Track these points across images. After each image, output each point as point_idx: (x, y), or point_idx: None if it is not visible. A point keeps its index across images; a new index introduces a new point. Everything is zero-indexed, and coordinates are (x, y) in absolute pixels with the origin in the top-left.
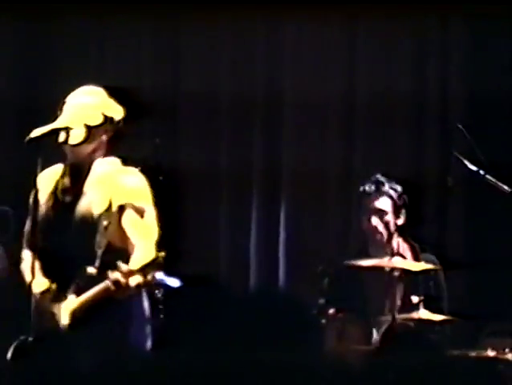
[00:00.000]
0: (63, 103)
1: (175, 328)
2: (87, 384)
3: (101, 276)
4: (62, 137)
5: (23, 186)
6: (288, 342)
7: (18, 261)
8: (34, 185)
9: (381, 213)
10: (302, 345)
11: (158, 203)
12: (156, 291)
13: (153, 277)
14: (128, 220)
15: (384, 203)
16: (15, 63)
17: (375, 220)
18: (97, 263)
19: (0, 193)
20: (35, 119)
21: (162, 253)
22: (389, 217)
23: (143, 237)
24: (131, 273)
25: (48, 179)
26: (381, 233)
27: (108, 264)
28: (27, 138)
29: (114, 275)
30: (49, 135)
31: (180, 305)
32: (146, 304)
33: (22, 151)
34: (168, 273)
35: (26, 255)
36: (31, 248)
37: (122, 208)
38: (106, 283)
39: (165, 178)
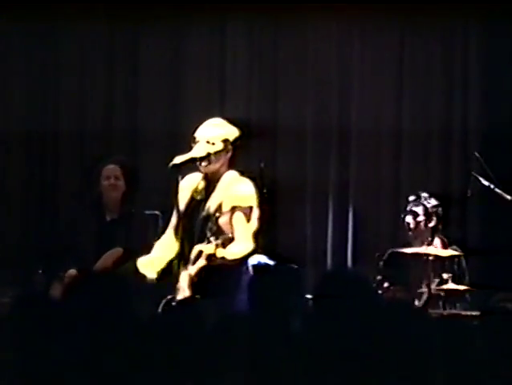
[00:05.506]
0: (194, 136)
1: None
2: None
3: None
4: (197, 163)
5: (169, 195)
6: (354, 306)
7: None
8: (176, 188)
9: (414, 215)
10: (365, 309)
11: (262, 206)
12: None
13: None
14: (236, 218)
15: (417, 208)
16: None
17: (408, 219)
18: (205, 242)
19: (151, 201)
20: (175, 144)
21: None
22: (420, 219)
23: (245, 233)
24: (224, 258)
25: (188, 182)
26: (412, 230)
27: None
28: (171, 164)
29: (207, 251)
30: (186, 163)
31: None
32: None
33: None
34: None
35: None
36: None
37: (233, 208)
38: (202, 257)
39: (267, 189)
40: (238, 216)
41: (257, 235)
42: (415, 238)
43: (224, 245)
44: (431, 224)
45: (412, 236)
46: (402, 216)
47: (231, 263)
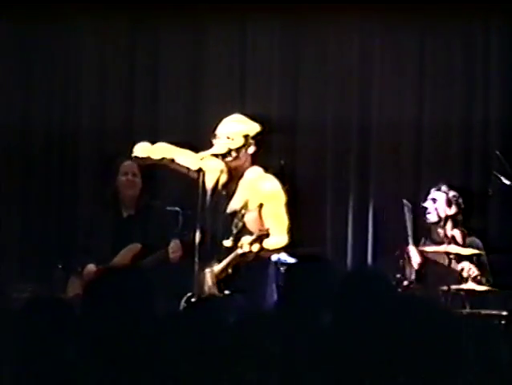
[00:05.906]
0: (215, 132)
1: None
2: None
3: (233, 248)
4: (219, 159)
5: (188, 192)
6: (374, 304)
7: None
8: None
9: (434, 201)
10: (385, 306)
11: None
12: (281, 268)
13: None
14: (266, 213)
15: (437, 195)
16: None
17: (427, 204)
18: (231, 238)
19: (172, 198)
20: (195, 141)
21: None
22: (439, 205)
23: (278, 226)
24: (263, 250)
25: (213, 169)
26: (431, 215)
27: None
28: None
29: (244, 249)
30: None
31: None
32: (272, 273)
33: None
34: (289, 254)
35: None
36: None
37: (261, 205)
38: (236, 253)
39: (289, 185)
40: (268, 211)
41: (291, 230)
42: (433, 225)
43: (261, 241)
44: (450, 212)
45: (430, 223)
46: (421, 203)
47: (265, 255)
